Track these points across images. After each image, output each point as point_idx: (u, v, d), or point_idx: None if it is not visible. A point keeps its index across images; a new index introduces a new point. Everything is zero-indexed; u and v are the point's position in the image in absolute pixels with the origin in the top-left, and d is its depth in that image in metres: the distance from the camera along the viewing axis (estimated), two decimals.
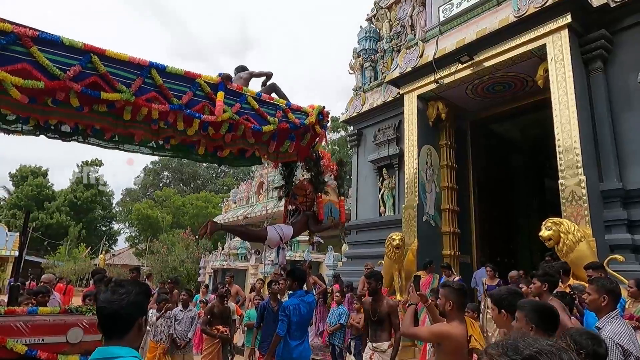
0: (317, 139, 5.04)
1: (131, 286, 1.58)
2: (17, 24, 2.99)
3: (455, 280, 7.00)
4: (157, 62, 3.61)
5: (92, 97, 3.20)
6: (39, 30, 3.06)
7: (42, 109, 3.27)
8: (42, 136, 3.94)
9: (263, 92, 4.82)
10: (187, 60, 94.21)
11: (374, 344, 4.50)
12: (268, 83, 5.25)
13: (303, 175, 5.70)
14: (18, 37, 2.91)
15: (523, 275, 6.88)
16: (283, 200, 5.72)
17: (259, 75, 5.24)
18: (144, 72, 3.48)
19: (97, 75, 3.22)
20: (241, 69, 5.45)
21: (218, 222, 5.84)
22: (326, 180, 5.48)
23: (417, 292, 3.32)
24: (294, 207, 5.60)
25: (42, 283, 6.36)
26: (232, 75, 5.40)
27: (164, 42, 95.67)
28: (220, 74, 4.13)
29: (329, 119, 5.31)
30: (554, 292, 3.90)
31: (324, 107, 5.00)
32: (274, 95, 4.94)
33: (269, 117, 4.28)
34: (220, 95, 3.92)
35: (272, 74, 5.34)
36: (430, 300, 3.49)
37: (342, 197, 5.77)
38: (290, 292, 4.68)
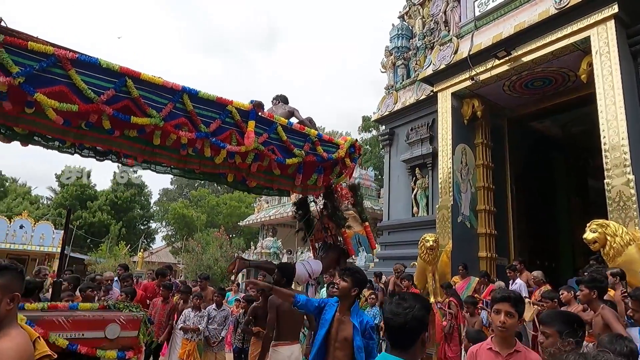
0: (344, 172, 4.83)
1: (414, 301, 1.66)
2: (58, 46, 3.04)
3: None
4: (189, 87, 3.57)
5: (123, 121, 3.21)
6: (78, 53, 3.10)
7: (75, 131, 3.31)
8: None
9: (299, 122, 4.76)
10: (210, 54, 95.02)
11: None
12: (306, 116, 5.17)
13: (317, 210, 5.43)
14: (58, 60, 2.95)
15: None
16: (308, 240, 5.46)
17: (301, 119, 5.04)
18: (176, 96, 3.46)
19: (130, 99, 3.22)
20: (282, 99, 5.33)
21: (246, 259, 5.78)
22: (345, 216, 5.19)
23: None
24: (320, 242, 5.38)
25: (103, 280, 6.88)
26: (275, 102, 5.40)
27: (188, 34, 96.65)
28: (252, 101, 4.06)
29: (361, 151, 5.12)
30: (606, 301, 3.66)
31: (356, 140, 4.88)
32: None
33: (295, 149, 4.20)
34: (252, 125, 3.86)
35: (311, 119, 5.25)
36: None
37: (366, 223, 5.46)
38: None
